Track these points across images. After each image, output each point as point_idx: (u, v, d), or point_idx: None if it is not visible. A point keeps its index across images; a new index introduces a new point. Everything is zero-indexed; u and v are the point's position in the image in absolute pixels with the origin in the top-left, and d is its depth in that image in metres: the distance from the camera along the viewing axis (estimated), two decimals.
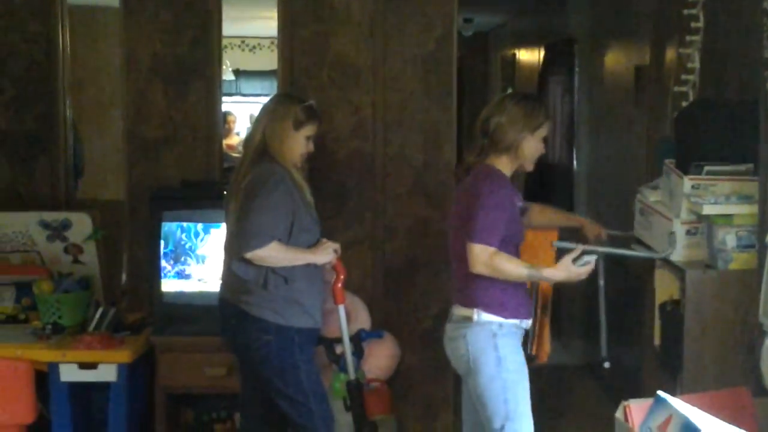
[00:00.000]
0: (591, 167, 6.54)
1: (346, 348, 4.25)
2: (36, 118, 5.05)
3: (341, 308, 4.23)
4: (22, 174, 5.05)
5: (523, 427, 3.37)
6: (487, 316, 3.38)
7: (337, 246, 3.97)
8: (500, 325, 3.39)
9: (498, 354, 3.36)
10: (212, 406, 4.82)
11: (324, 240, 3.95)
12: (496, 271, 3.31)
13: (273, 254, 3.74)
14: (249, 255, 3.74)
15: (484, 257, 3.28)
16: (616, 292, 5.35)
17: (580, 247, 3.40)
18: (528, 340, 3.78)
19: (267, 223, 3.72)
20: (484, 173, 3.44)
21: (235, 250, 3.82)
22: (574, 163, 6.69)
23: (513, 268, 3.35)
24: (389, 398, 4.54)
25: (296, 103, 3.97)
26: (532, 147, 3.50)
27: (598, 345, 3.71)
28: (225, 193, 4.01)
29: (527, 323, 3.54)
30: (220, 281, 4.04)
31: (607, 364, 3.83)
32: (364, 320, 4.80)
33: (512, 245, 3.46)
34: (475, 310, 3.38)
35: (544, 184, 6.43)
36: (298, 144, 3.91)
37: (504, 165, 3.49)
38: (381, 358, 4.74)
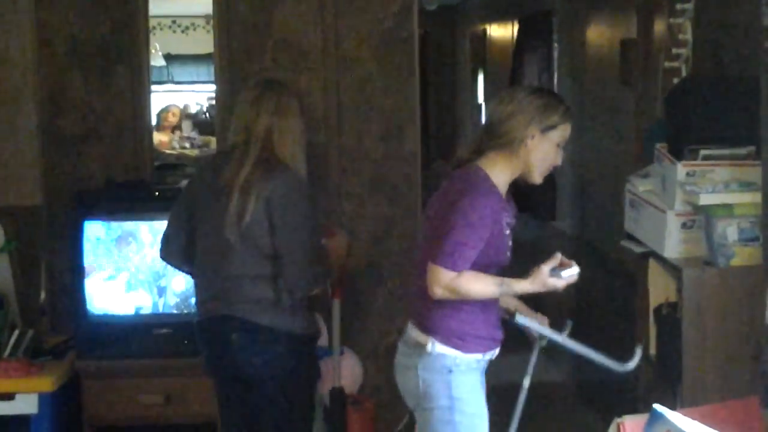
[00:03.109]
0: (574, 155, 6.58)
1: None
2: None
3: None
4: None
5: None
6: (441, 348, 3.29)
7: None
8: (455, 360, 3.30)
9: (451, 393, 3.29)
10: None
11: None
12: (459, 294, 3.21)
13: None
14: None
15: (444, 280, 3.18)
16: (605, 295, 5.41)
17: (557, 257, 3.31)
18: None
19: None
20: (470, 180, 3.28)
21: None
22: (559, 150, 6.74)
23: (480, 287, 3.24)
24: (373, 417, 4.58)
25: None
26: (540, 150, 3.31)
27: (586, 361, 3.68)
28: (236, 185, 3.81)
29: (493, 354, 3.41)
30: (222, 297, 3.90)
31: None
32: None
33: (492, 271, 3.33)
34: (431, 338, 3.29)
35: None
36: None
37: (501, 167, 3.31)
38: (344, 378, 4.75)
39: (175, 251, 4.02)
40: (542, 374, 3.49)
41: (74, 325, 4.73)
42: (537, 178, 3.38)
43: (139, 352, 4.59)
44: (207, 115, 8.93)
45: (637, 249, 4.04)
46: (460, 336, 3.30)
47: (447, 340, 3.29)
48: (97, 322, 4.66)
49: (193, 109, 9.21)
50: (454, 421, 3.30)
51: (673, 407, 2.99)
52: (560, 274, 3.30)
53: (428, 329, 3.31)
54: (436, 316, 3.30)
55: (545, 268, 3.28)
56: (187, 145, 7.94)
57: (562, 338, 3.49)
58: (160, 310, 4.66)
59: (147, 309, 4.65)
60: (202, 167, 4.20)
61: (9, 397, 4.35)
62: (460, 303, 3.28)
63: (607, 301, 5.52)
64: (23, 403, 4.36)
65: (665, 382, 3.67)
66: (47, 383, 4.38)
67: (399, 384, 3.45)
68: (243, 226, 3.75)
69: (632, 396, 4.33)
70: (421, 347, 3.31)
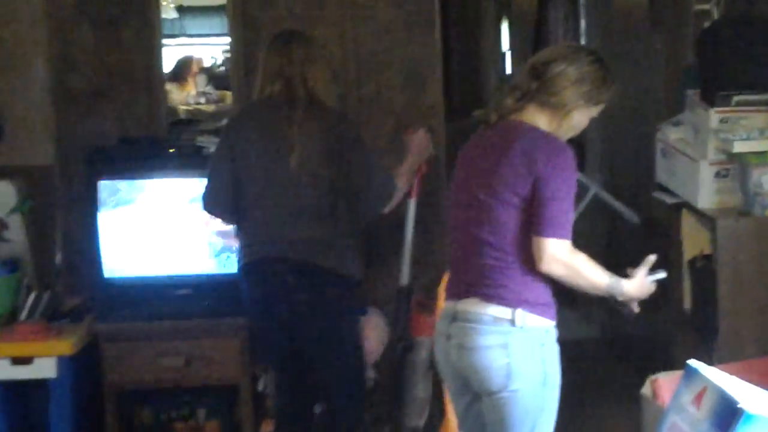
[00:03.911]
0: (605, 108, 6.55)
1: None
2: None
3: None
4: None
5: None
6: (533, 320, 3.15)
7: None
8: (547, 331, 3.19)
9: (545, 369, 3.17)
10: (171, 403, 4.84)
11: None
12: (574, 272, 3.13)
13: None
14: None
15: (562, 254, 3.09)
16: (636, 249, 5.39)
17: (650, 260, 3.31)
18: None
19: None
20: (551, 144, 3.16)
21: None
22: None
23: (595, 274, 3.18)
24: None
25: None
26: (580, 120, 3.26)
27: (620, 319, 3.69)
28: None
29: None
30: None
31: None
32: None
33: None
34: (519, 310, 3.14)
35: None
36: None
37: (542, 123, 3.23)
38: (368, 339, 4.76)
39: (221, 202, 4.11)
40: (577, 331, 3.48)
41: (92, 287, 4.75)
42: (563, 139, 3.32)
43: (158, 314, 4.61)
44: (222, 68, 8.90)
45: (670, 200, 4.03)
46: (547, 302, 3.19)
47: (537, 309, 3.15)
48: (114, 284, 4.68)
49: (206, 63, 9.19)
50: (541, 397, 3.18)
51: (708, 363, 3.00)
52: (654, 276, 3.30)
53: (512, 299, 3.15)
54: (520, 285, 3.15)
55: (644, 271, 3.27)
56: (202, 100, 7.92)
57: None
58: (179, 270, 4.67)
59: (166, 270, 4.67)
60: (239, 119, 4.20)
61: (27, 361, 4.37)
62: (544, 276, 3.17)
63: (639, 255, 5.50)
64: (42, 367, 4.38)
65: (700, 338, 3.67)
66: (66, 346, 4.40)
67: (469, 368, 3.21)
68: (306, 169, 3.92)
69: (667, 353, 4.33)
70: (506, 323, 3.14)
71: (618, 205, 3.57)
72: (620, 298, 3.26)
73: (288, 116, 3.96)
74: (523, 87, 3.24)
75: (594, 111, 3.29)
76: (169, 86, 7.16)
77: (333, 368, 4.10)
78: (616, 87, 3.31)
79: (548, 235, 3.10)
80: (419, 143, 4.48)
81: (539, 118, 3.22)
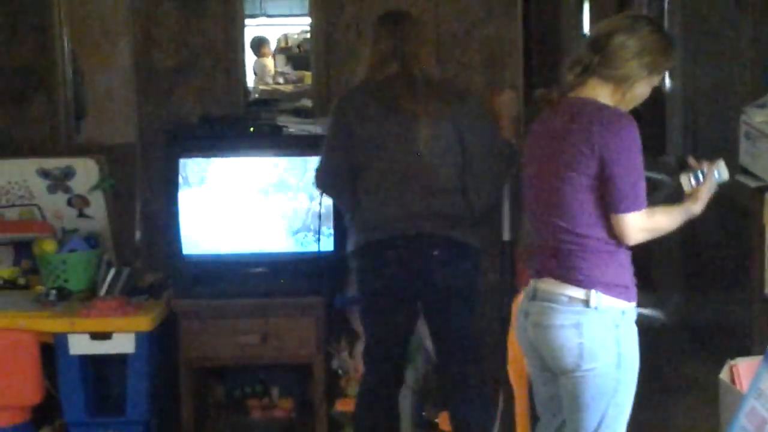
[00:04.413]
0: (686, 85, 6.45)
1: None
2: (29, 50, 5.07)
3: None
4: (15, 115, 5.09)
5: None
6: (608, 301, 3.13)
7: None
8: (623, 312, 3.16)
9: (620, 350, 3.14)
10: (245, 380, 4.87)
11: None
12: (657, 231, 3.17)
13: None
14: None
15: (642, 224, 3.10)
16: (717, 232, 5.31)
17: (691, 161, 3.28)
18: None
19: None
20: (607, 115, 3.12)
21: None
22: (666, 81, 6.60)
23: (671, 219, 3.20)
24: None
25: None
26: (642, 90, 3.23)
27: (697, 301, 3.65)
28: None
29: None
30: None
31: None
32: None
33: None
34: (593, 291, 3.11)
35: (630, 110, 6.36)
36: None
37: (604, 97, 3.19)
38: None
39: (338, 180, 4.15)
40: (650, 316, 3.43)
41: (170, 264, 4.79)
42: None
43: (235, 292, 4.64)
44: (300, 49, 8.91)
45: (753, 183, 3.95)
46: (624, 283, 3.17)
47: (612, 290, 3.13)
48: (193, 261, 4.70)
49: (287, 43, 9.20)
50: (618, 378, 3.16)
51: None
52: (701, 176, 3.26)
53: (588, 281, 3.13)
54: (594, 266, 3.14)
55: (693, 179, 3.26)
56: (281, 80, 7.95)
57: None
58: (257, 249, 4.68)
59: (243, 248, 4.68)
60: (355, 98, 4.16)
61: (106, 336, 4.42)
62: (615, 249, 3.15)
63: (720, 238, 5.41)
64: (120, 342, 4.42)
65: None
66: (144, 322, 4.45)
67: (540, 344, 3.22)
68: (435, 146, 3.99)
69: (746, 338, 4.26)
70: (581, 303, 3.13)
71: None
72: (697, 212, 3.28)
73: (411, 95, 4.01)
74: (584, 61, 3.19)
75: (656, 80, 3.25)
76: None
77: (462, 338, 4.16)
78: (676, 53, 3.25)
79: (626, 211, 3.09)
80: (509, 104, 4.49)
81: (601, 92, 3.18)
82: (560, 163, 3.13)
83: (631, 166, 3.08)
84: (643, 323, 3.23)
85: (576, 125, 3.12)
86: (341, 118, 4.13)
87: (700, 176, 3.24)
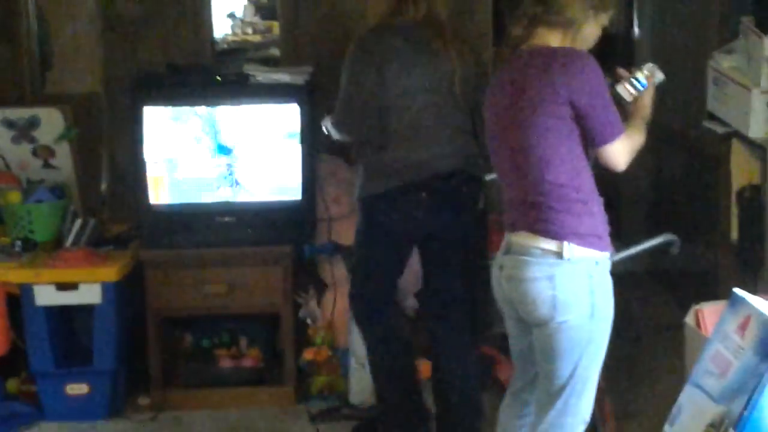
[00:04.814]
0: (654, 29, 6.41)
1: None
2: None
3: None
4: None
5: (587, 389, 3.21)
6: (581, 251, 3.09)
7: None
8: (596, 262, 3.14)
9: (593, 300, 3.13)
10: (213, 330, 4.85)
11: None
12: (636, 148, 3.18)
13: None
14: None
15: (625, 148, 3.12)
16: (684, 178, 5.31)
17: (620, 71, 3.26)
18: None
19: None
20: (564, 56, 3.10)
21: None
22: (635, 28, 6.57)
23: (639, 132, 3.20)
24: None
25: None
26: (590, 33, 3.20)
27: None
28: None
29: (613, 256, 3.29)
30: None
31: None
32: None
33: None
34: (565, 243, 3.08)
35: (596, 57, 6.34)
36: None
37: (554, 43, 3.16)
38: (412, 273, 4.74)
39: (364, 120, 4.04)
40: (621, 264, 3.44)
41: (137, 214, 4.75)
42: None
43: (202, 242, 4.61)
44: None
45: (720, 129, 3.95)
46: (597, 233, 3.13)
47: (584, 241, 3.10)
48: (159, 211, 4.67)
49: None
50: (591, 329, 3.15)
51: (754, 293, 2.93)
52: (639, 82, 3.23)
53: (560, 232, 3.10)
54: (567, 216, 3.11)
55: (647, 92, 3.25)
56: (249, 30, 7.86)
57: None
58: (224, 198, 4.65)
59: (210, 198, 4.65)
60: (381, 37, 4.05)
61: (72, 287, 4.40)
62: (587, 198, 3.12)
63: (687, 184, 5.42)
64: (87, 292, 4.41)
65: (747, 268, 3.60)
66: (111, 273, 4.43)
67: (514, 297, 3.21)
68: (461, 90, 3.99)
69: (712, 283, 4.27)
70: (553, 255, 3.11)
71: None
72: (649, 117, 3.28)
73: (441, 38, 3.99)
74: (528, 12, 3.17)
75: (604, 18, 3.22)
76: None
77: (458, 283, 4.16)
78: None
79: (611, 140, 3.10)
80: None
81: (551, 39, 3.16)
82: (525, 114, 3.10)
83: (601, 97, 3.07)
84: (617, 270, 3.23)
85: (533, 71, 3.09)
86: (368, 57, 4.02)
87: (635, 83, 3.23)
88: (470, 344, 4.21)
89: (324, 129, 4.25)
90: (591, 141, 3.11)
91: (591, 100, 3.05)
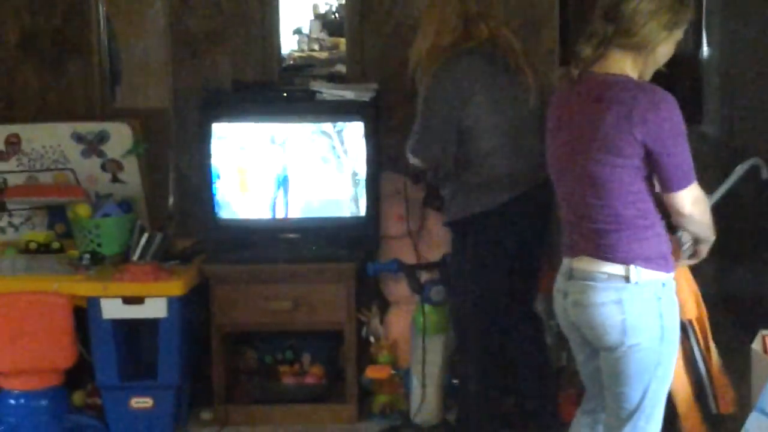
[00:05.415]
0: (723, 47, 6.33)
1: None
2: (63, 14, 5.08)
3: None
4: (50, 80, 5.10)
5: (656, 411, 3.18)
6: (648, 274, 3.07)
7: None
8: (663, 284, 3.11)
9: (663, 323, 3.10)
10: (276, 346, 4.87)
11: None
12: (705, 211, 3.14)
13: None
14: None
15: (694, 195, 3.07)
16: (756, 208, 5.23)
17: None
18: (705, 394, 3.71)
19: None
20: (648, 96, 3.00)
21: None
22: (703, 48, 6.49)
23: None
24: None
25: None
26: (665, 51, 3.12)
27: (729, 272, 3.61)
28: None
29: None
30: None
31: None
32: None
33: None
34: (632, 266, 3.05)
35: (659, 80, 6.28)
36: None
37: (626, 69, 3.09)
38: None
39: (446, 146, 4.09)
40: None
41: (203, 229, 4.79)
42: (648, 77, 3.17)
43: (267, 258, 4.63)
44: (336, 15, 8.84)
45: None
46: (662, 254, 3.11)
47: (651, 263, 3.07)
48: (226, 227, 4.71)
49: (321, 9, 9.13)
50: (661, 351, 3.12)
51: None
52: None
53: (625, 257, 3.07)
54: (632, 240, 3.07)
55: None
56: (316, 47, 7.88)
57: None
58: (290, 215, 4.67)
59: (276, 214, 4.68)
60: (463, 62, 4.10)
61: (138, 301, 4.43)
62: (653, 222, 3.09)
63: (758, 214, 5.34)
64: (153, 306, 4.44)
65: None
66: (177, 287, 4.45)
67: (585, 325, 3.17)
68: (539, 101, 4.08)
69: None
70: (621, 278, 3.07)
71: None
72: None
73: (515, 54, 4.14)
74: (599, 33, 3.08)
75: (678, 35, 3.13)
76: None
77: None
78: (692, 2, 3.13)
79: (680, 189, 3.04)
80: None
81: (624, 62, 3.08)
82: (595, 146, 3.03)
83: (679, 145, 3.00)
84: None
85: (613, 110, 3.00)
86: (452, 82, 4.08)
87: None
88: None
89: (409, 158, 4.27)
90: (660, 184, 3.06)
91: (667, 149, 2.99)
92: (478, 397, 4.22)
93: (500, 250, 4.13)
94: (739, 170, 3.67)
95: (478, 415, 4.24)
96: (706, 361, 3.78)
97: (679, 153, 3.01)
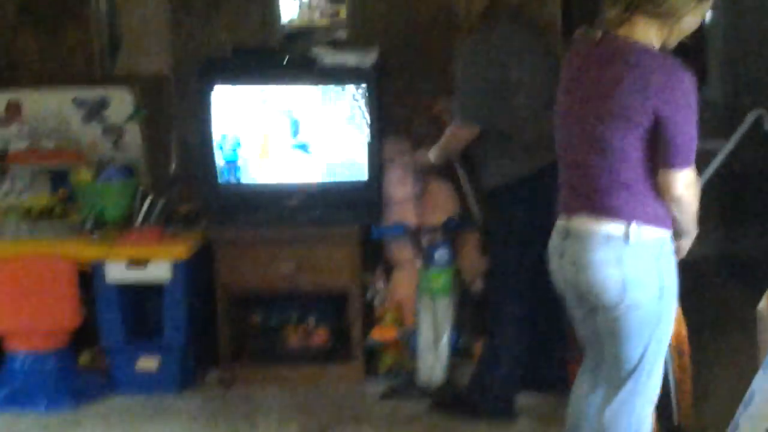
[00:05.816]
0: (727, 11, 6.32)
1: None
2: None
3: None
4: (50, 46, 5.10)
5: (656, 369, 3.18)
6: (648, 232, 3.05)
7: None
8: (663, 243, 3.09)
9: (662, 283, 3.08)
10: (282, 309, 4.87)
11: None
12: (694, 189, 3.07)
13: None
14: None
15: (688, 179, 3.02)
16: (760, 170, 5.23)
17: None
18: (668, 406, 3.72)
19: None
20: (668, 72, 2.97)
21: None
22: (706, 16, 6.47)
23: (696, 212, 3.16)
24: None
25: None
26: (693, 22, 3.06)
27: (737, 234, 3.61)
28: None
29: None
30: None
31: None
32: (451, 208, 4.77)
33: None
34: (632, 225, 3.03)
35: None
36: None
37: (651, 36, 3.04)
38: (479, 257, 4.72)
39: (489, 108, 4.15)
40: (691, 249, 3.38)
41: (206, 194, 4.79)
42: (671, 46, 3.12)
43: (271, 221, 4.63)
44: None
45: None
46: (661, 213, 3.07)
47: (650, 221, 3.05)
48: (228, 191, 4.71)
49: None
50: (659, 309, 3.10)
51: None
52: None
53: (625, 216, 3.05)
54: (632, 199, 3.05)
55: None
56: (317, 14, 7.86)
57: None
58: (292, 178, 4.67)
59: (278, 178, 4.67)
60: (502, 37, 4.20)
61: (142, 264, 4.44)
62: (653, 185, 3.05)
63: (759, 170, 5.34)
64: (157, 270, 4.45)
65: None
66: (180, 251, 4.46)
67: (584, 284, 3.14)
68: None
69: None
70: (620, 237, 3.05)
71: None
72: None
73: (539, 30, 4.40)
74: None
75: (706, 5, 3.08)
76: None
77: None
78: None
79: (678, 168, 3.00)
80: (446, 109, 4.53)
81: (648, 29, 3.04)
82: (606, 108, 3.01)
83: (689, 123, 2.97)
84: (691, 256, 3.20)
85: (630, 74, 2.98)
86: (492, 48, 4.16)
87: None
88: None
89: (430, 157, 4.38)
90: (661, 159, 3.01)
91: (677, 124, 2.96)
92: (507, 360, 4.23)
93: (541, 217, 4.11)
94: (747, 121, 3.66)
95: (500, 379, 4.25)
96: (676, 376, 3.79)
97: (687, 131, 2.98)
